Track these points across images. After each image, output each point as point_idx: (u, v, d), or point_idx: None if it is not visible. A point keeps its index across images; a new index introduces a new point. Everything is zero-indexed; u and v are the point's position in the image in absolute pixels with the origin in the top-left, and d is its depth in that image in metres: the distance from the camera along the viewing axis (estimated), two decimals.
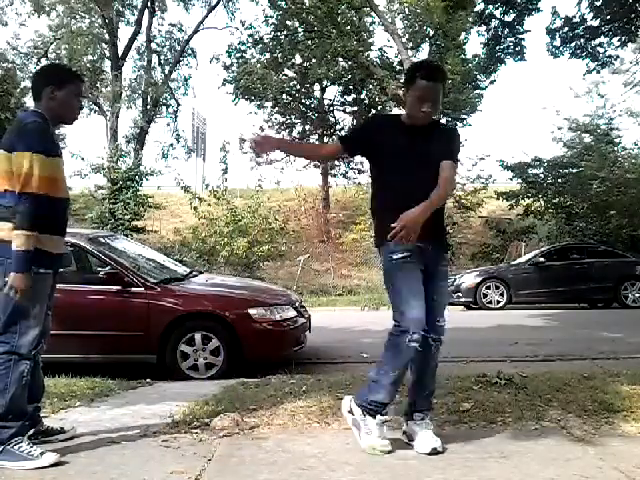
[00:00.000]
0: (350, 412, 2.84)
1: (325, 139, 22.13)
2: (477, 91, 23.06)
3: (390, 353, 2.73)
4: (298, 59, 22.81)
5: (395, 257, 2.73)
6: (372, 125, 3.09)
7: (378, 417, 2.73)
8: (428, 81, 2.73)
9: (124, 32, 25.19)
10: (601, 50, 12.79)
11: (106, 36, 24.18)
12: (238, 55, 22.79)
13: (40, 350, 2.76)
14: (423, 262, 2.76)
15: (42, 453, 2.58)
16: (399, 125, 2.86)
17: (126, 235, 13.00)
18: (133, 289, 5.33)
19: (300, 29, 22.09)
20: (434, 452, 2.65)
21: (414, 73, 2.79)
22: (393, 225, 2.57)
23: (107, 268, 5.46)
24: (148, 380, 4.63)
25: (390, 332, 2.76)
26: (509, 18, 12.69)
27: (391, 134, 2.83)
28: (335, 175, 23.18)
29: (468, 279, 12.43)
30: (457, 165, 2.98)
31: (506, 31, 12.92)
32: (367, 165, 3.12)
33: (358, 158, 16.07)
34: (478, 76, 21.86)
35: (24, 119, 2.73)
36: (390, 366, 2.71)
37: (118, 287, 5.33)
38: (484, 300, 12.06)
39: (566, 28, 12.56)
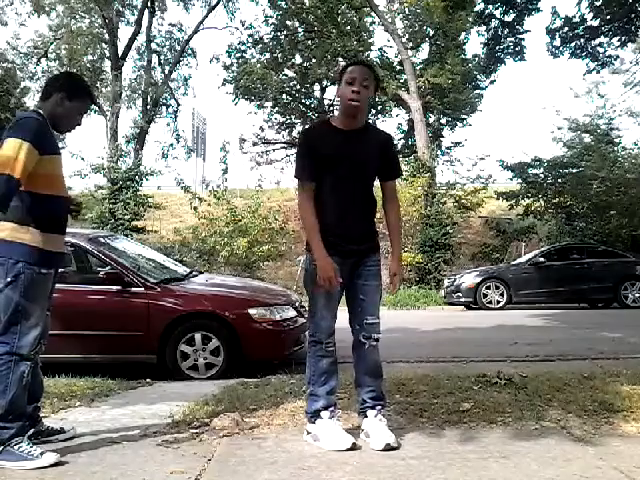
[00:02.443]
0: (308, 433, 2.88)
1: None
2: (477, 91, 23.14)
3: (310, 362, 2.88)
4: (298, 59, 22.84)
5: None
6: (307, 144, 2.94)
7: (323, 416, 2.81)
8: (355, 65, 2.91)
9: (124, 32, 25.36)
10: (601, 50, 12.79)
11: (106, 36, 24.21)
12: (238, 55, 22.85)
13: (39, 350, 2.76)
14: (346, 270, 2.85)
15: (42, 453, 2.58)
16: (330, 131, 2.87)
17: (126, 235, 13.00)
18: (133, 289, 5.32)
19: (300, 29, 22.14)
20: (388, 448, 2.68)
21: (344, 68, 2.93)
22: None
23: (107, 268, 5.46)
24: (148, 380, 4.63)
25: (308, 342, 2.93)
26: (509, 18, 12.70)
27: (324, 145, 2.82)
28: None
29: (468, 279, 12.45)
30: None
31: (506, 31, 12.93)
32: None
33: None
34: (478, 76, 21.93)
35: (20, 116, 2.75)
36: (314, 375, 2.86)
37: (118, 287, 5.32)
38: (484, 300, 12.07)
39: (566, 28, 12.56)
